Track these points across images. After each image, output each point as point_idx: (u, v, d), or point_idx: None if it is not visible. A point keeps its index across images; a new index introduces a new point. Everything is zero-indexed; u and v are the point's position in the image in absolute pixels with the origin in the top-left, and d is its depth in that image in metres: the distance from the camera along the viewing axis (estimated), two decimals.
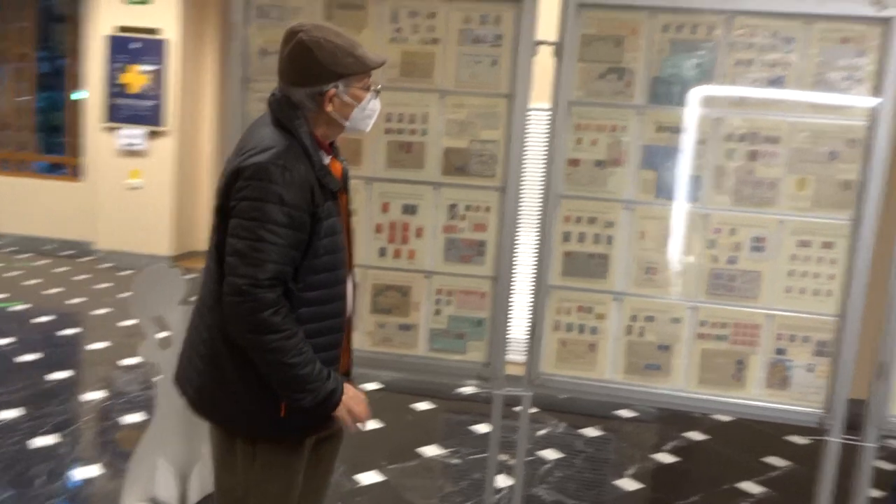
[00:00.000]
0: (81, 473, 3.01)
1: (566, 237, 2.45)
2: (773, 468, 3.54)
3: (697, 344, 2.42)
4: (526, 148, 2.42)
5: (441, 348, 2.56)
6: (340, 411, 1.63)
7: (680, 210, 2.38)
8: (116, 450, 3.27)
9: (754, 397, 2.41)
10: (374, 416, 3.76)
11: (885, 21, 2.19)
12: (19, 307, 5.40)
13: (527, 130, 2.41)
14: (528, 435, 2.79)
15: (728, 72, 2.30)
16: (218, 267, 1.59)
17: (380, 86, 1.73)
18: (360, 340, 2.57)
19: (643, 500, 3.15)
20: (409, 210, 2.52)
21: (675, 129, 2.35)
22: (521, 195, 2.45)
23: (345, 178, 1.79)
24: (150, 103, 7.02)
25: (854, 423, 2.36)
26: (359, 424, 1.68)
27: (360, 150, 2.51)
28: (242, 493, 1.69)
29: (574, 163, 2.42)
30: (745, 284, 2.37)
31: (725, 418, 4.06)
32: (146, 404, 3.73)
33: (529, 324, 2.48)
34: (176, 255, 7.15)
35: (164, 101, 6.94)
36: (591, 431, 3.79)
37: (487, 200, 2.47)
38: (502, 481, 3.08)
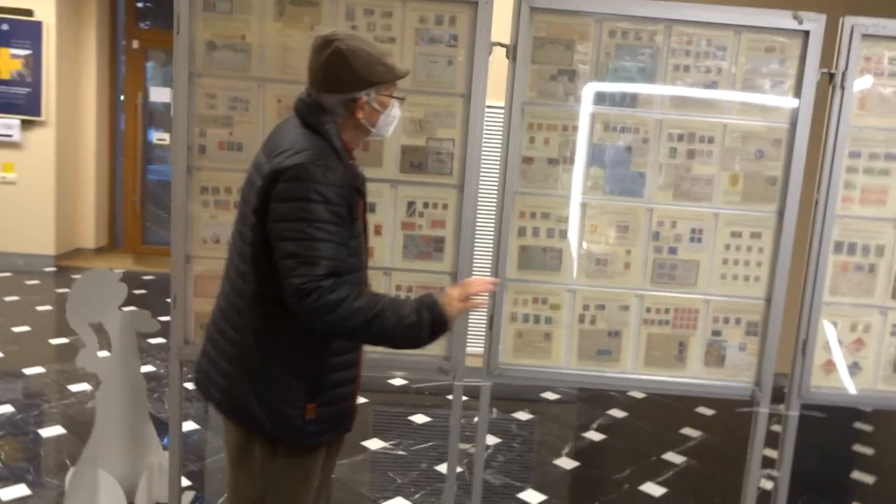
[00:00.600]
0: (8, 495, 2.79)
1: (521, 232, 2.54)
2: (690, 438, 3.85)
3: (644, 329, 2.59)
4: (482, 146, 2.49)
5: None
6: (457, 313, 1.64)
7: (627, 205, 2.53)
8: (41, 465, 3.05)
9: (694, 375, 2.62)
10: None
11: (804, 33, 2.43)
12: None
13: (483, 129, 2.48)
14: (467, 423, 2.89)
15: (668, 76, 2.47)
16: (253, 268, 1.61)
17: (403, 95, 1.77)
18: None
19: (582, 477, 3.34)
20: (368, 208, 2.51)
21: (622, 129, 2.50)
22: (478, 192, 2.51)
23: (362, 182, 1.80)
24: (23, 90, 6.49)
25: (778, 396, 2.63)
26: (490, 287, 1.71)
27: None
28: (259, 495, 1.69)
29: (528, 160, 2.51)
30: (685, 273, 2.57)
31: (639, 395, 4.36)
32: (63, 415, 3.50)
33: (488, 317, 2.56)
34: (58, 254, 6.69)
35: (40, 88, 6.44)
36: (523, 415, 3.95)
37: (445, 198, 2.52)
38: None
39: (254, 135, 2.45)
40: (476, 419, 2.60)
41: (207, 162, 2.47)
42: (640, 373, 2.62)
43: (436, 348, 2.58)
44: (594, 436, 3.80)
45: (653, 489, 3.25)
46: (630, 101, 2.49)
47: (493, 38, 2.44)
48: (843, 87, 2.44)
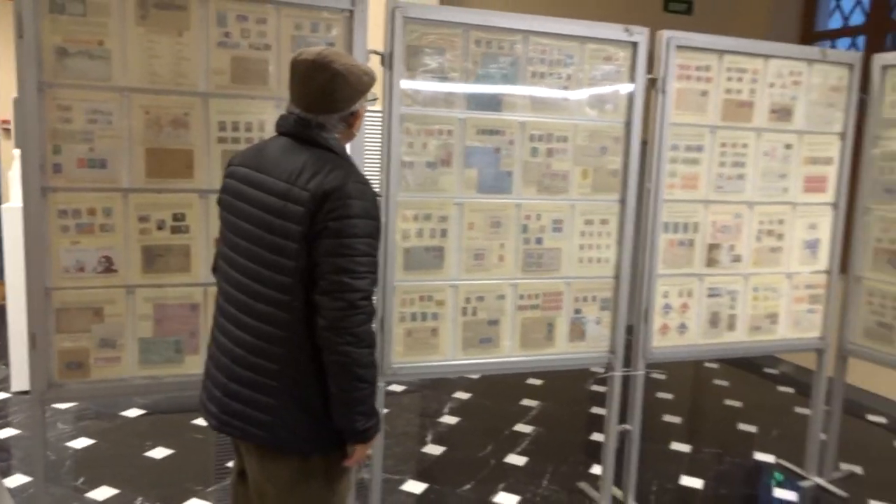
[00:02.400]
0: None
1: (405, 235, 2.63)
2: (531, 408, 4.22)
3: (518, 315, 2.83)
4: (364, 152, 2.53)
5: None
6: (369, 443, 1.71)
7: (498, 202, 2.73)
8: None
9: (562, 351, 2.92)
10: (155, 443, 3.48)
11: (633, 44, 2.81)
12: None
13: (364, 136, 2.51)
14: None
15: (528, 82, 2.70)
16: (302, 294, 1.60)
17: (375, 95, 1.81)
18: (203, 363, 2.42)
19: (450, 461, 3.51)
20: None
21: (490, 132, 2.69)
22: None
23: None
24: None
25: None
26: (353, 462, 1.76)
27: (191, 161, 2.34)
28: None
29: (408, 164, 2.60)
30: (549, 260, 2.84)
31: (475, 376, 4.65)
32: None
33: (378, 320, 2.61)
34: None
35: None
36: None
37: None
38: None
39: (119, 150, 2.24)
40: None
41: (65, 182, 2.21)
42: (517, 355, 2.85)
43: None
44: (449, 419, 4.00)
45: (516, 459, 3.53)
46: (496, 105, 2.68)
47: (369, 46, 2.48)
48: (663, 91, 2.86)
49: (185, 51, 2.28)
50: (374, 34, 2.51)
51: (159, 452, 3.42)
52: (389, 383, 3.27)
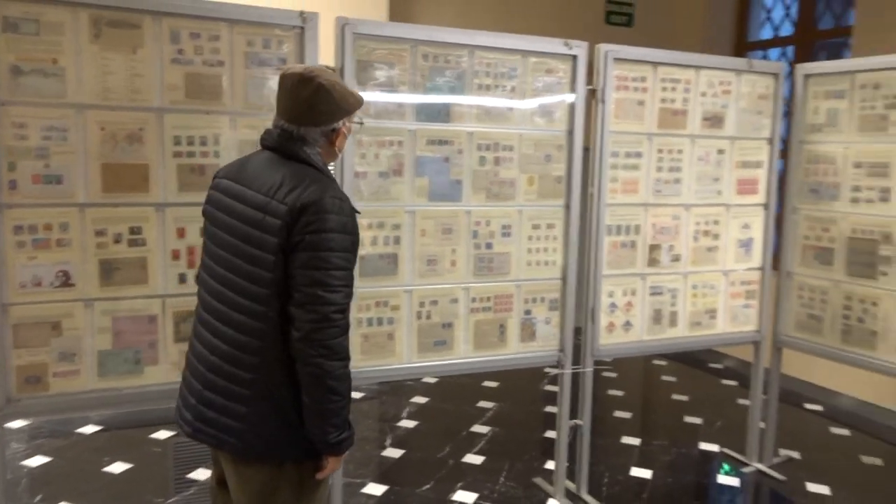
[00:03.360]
0: None
1: (360, 243, 2.70)
2: (487, 409, 4.34)
3: (471, 317, 2.93)
4: None
5: None
6: (342, 455, 1.74)
7: (449, 209, 2.84)
8: None
9: (513, 351, 3.03)
10: (113, 458, 3.48)
11: (573, 57, 2.96)
12: None
13: None
14: None
15: (475, 94, 2.82)
16: (277, 304, 1.63)
17: (362, 119, 1.91)
18: (164, 373, 2.47)
19: (410, 463, 3.60)
20: None
21: (440, 142, 2.80)
22: None
23: None
24: None
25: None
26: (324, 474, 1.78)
27: (147, 176, 2.38)
28: None
29: (361, 175, 2.69)
30: (500, 264, 2.96)
31: (433, 380, 4.75)
32: None
33: None
34: None
35: None
36: None
37: None
38: None
39: (75, 165, 2.28)
40: None
41: (20, 198, 2.24)
42: (470, 356, 2.96)
43: None
44: (407, 423, 4.09)
45: (473, 459, 3.63)
46: (445, 116, 2.79)
47: (321, 61, 2.57)
48: (603, 101, 3.02)
49: (139, 67, 2.33)
50: (325, 50, 2.60)
51: (118, 467, 3.42)
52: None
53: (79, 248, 2.32)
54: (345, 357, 1.64)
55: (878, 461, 3.81)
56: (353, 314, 2.72)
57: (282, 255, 1.63)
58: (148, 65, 2.34)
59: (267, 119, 2.49)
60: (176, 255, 2.45)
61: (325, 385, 1.62)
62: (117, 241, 2.36)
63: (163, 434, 3.81)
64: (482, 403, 4.43)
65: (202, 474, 3.37)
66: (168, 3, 2.32)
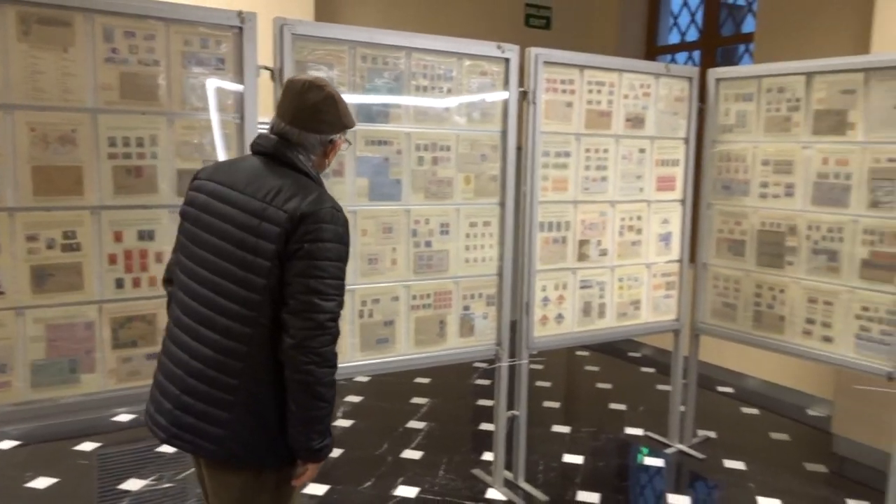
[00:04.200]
0: None
1: None
2: (421, 405, 4.40)
3: (412, 314, 2.99)
4: None
5: None
6: (321, 462, 1.73)
7: (389, 208, 2.88)
8: None
9: (453, 347, 3.11)
10: (36, 473, 3.34)
11: (506, 60, 3.05)
12: None
13: None
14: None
15: (412, 95, 2.87)
16: (270, 311, 1.62)
17: (350, 139, 1.93)
18: (101, 381, 2.40)
19: (349, 461, 3.61)
20: (146, 236, 2.43)
21: (379, 143, 2.83)
22: None
23: None
24: None
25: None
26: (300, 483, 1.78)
27: (80, 178, 2.31)
28: None
29: None
30: (439, 261, 3.02)
31: (366, 378, 4.77)
32: None
33: None
34: None
35: None
36: None
37: None
38: None
39: (4, 168, 2.19)
40: None
41: None
42: (412, 353, 3.01)
43: None
44: (344, 423, 4.09)
45: (412, 454, 3.69)
46: (384, 117, 2.83)
47: (259, 62, 2.55)
48: (534, 102, 3.13)
49: (70, 67, 2.25)
50: (263, 50, 2.59)
51: (42, 482, 3.27)
52: None
53: (8, 254, 2.22)
54: (334, 365, 1.65)
55: (785, 437, 4.12)
56: None
57: (277, 261, 1.62)
58: (80, 64, 2.27)
59: (205, 120, 2.49)
60: (113, 260, 2.38)
61: (314, 392, 1.62)
62: (50, 246, 2.28)
63: (88, 446, 3.66)
64: (416, 400, 4.49)
65: (134, 484, 3.27)
66: (100, 0, 2.26)
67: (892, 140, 2.99)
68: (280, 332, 1.63)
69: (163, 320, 2.46)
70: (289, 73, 2.59)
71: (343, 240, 1.68)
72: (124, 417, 4.01)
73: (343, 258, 1.68)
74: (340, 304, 1.67)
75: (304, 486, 1.85)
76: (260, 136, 1.80)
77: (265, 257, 1.63)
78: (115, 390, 2.43)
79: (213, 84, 2.49)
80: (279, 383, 1.66)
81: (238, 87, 2.53)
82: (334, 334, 1.64)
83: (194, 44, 2.45)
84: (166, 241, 2.46)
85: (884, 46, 3.51)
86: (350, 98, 2.73)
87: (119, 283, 2.40)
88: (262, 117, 2.60)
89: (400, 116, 2.86)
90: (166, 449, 3.62)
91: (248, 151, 2.51)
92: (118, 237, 2.39)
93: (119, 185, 2.37)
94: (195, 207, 1.78)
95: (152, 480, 3.32)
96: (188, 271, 1.76)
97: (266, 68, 2.57)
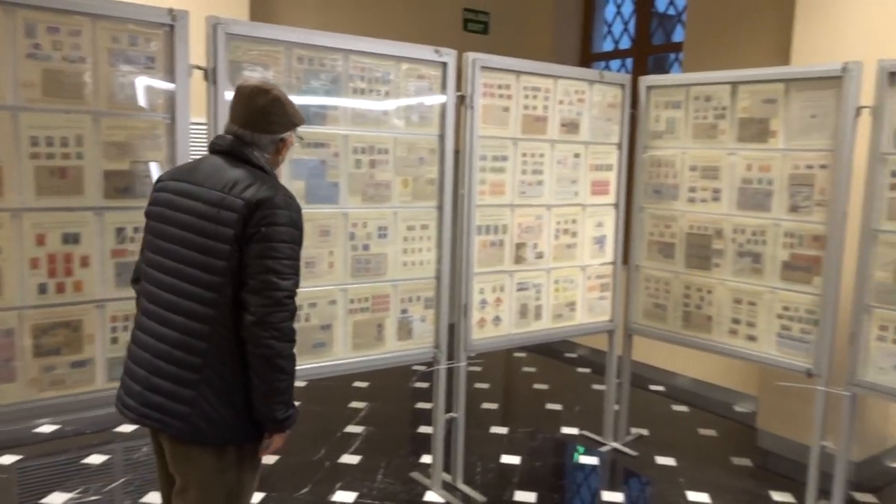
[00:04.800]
0: None
1: None
2: (359, 410, 4.37)
3: (350, 318, 2.97)
4: None
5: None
6: (287, 432, 1.85)
7: (326, 211, 2.86)
8: None
9: (392, 350, 3.10)
10: None
11: (443, 64, 3.07)
12: None
13: (191, 150, 2.52)
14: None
15: (350, 97, 2.86)
16: (230, 291, 1.75)
17: (303, 136, 2.07)
18: (21, 391, 2.30)
19: (286, 468, 3.56)
20: (71, 239, 2.35)
21: (316, 145, 2.81)
22: None
23: None
24: None
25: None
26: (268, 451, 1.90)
27: (0, 179, 2.21)
28: (227, 500, 1.84)
29: None
30: (377, 265, 3.01)
31: (302, 383, 4.70)
32: None
33: None
34: None
35: None
36: None
37: None
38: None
39: None
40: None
41: None
42: (350, 357, 2.99)
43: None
44: None
45: (350, 459, 3.66)
46: (321, 119, 2.81)
47: (192, 61, 2.49)
48: (471, 107, 3.16)
49: None
50: (196, 49, 2.53)
51: None
52: None
53: None
54: (292, 339, 1.79)
55: (712, 432, 4.27)
56: None
57: (237, 245, 1.75)
58: (0, 59, 2.17)
59: (137, 120, 2.42)
60: (35, 264, 2.29)
61: (275, 364, 1.75)
62: None
63: (7, 459, 3.49)
64: (354, 404, 4.46)
65: (57, 498, 3.14)
66: None
67: (809, 148, 3.15)
68: (240, 312, 1.75)
69: (90, 326, 2.40)
70: (223, 73, 2.55)
71: (297, 224, 1.82)
72: (47, 429, 3.85)
73: (297, 241, 1.82)
74: (296, 283, 1.80)
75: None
76: (217, 136, 1.94)
77: (224, 241, 1.75)
78: (36, 401, 2.33)
79: (142, 83, 2.42)
80: (241, 362, 1.77)
81: (169, 87, 2.47)
82: (292, 310, 1.78)
83: (122, 41, 2.37)
84: (93, 244, 2.38)
85: (802, 58, 3.69)
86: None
87: (42, 289, 2.31)
88: (195, 117, 2.55)
89: (337, 119, 2.84)
90: (92, 460, 3.49)
91: (179, 152, 2.49)
92: (41, 240, 2.29)
93: (42, 187, 2.28)
94: (159, 205, 1.92)
95: (77, 493, 3.19)
96: (154, 263, 1.89)
97: (199, 68, 2.52)
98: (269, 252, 1.74)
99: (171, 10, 2.43)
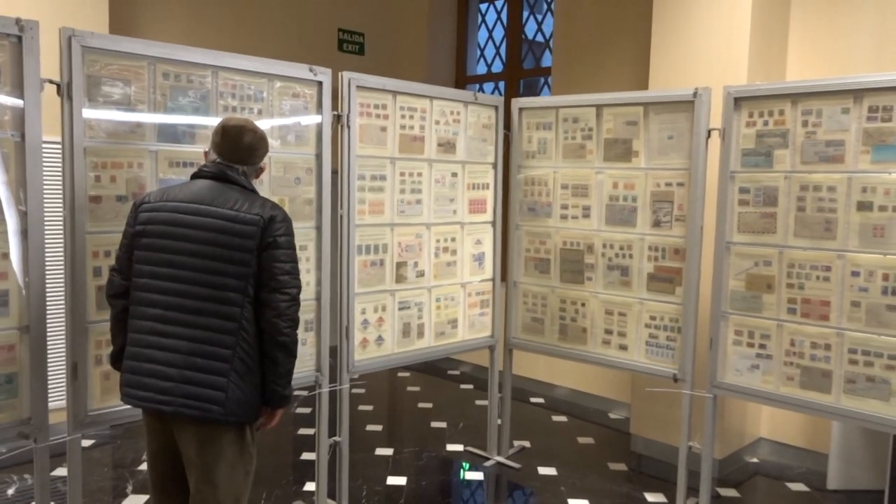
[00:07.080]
0: None
1: (97, 272, 2.49)
2: None
3: None
4: (44, 187, 2.35)
5: None
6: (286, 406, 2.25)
7: None
8: None
9: None
10: None
11: (319, 83, 3.04)
12: None
13: (45, 171, 2.34)
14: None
15: (220, 116, 2.75)
16: (252, 292, 2.10)
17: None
18: None
19: None
20: None
21: (184, 164, 2.68)
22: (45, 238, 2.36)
23: None
24: None
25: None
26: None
27: None
28: (245, 476, 2.19)
29: (95, 199, 2.47)
30: None
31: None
32: None
33: (70, 367, 2.44)
34: None
35: None
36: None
37: (2, 246, 2.29)
38: None
39: None
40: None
41: None
42: None
43: (12, 414, 2.33)
44: None
45: None
46: (189, 138, 2.69)
47: (43, 75, 2.32)
48: (348, 126, 3.14)
49: None
50: (50, 62, 2.36)
51: None
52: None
53: None
54: (297, 327, 2.18)
55: (590, 440, 4.43)
56: (91, 351, 2.49)
57: (255, 253, 2.10)
58: None
59: None
60: None
61: (291, 350, 2.15)
62: None
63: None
64: None
65: None
66: None
67: (667, 167, 3.37)
68: (260, 308, 2.10)
69: None
70: (79, 88, 2.39)
71: (293, 234, 2.21)
72: None
73: (295, 247, 2.21)
74: (300, 282, 2.20)
75: None
76: (204, 165, 2.24)
77: (246, 251, 2.09)
78: None
79: None
80: (258, 349, 2.12)
81: (17, 102, 2.28)
82: (299, 304, 2.17)
83: None
84: None
85: (659, 83, 3.95)
86: (150, 117, 2.58)
87: None
88: (48, 136, 2.38)
89: (207, 137, 2.72)
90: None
91: (30, 173, 2.30)
92: None
93: None
94: (158, 224, 2.13)
95: None
96: (164, 276, 2.10)
97: (51, 82, 2.35)
98: (282, 257, 2.13)
99: (18, 20, 2.25)
